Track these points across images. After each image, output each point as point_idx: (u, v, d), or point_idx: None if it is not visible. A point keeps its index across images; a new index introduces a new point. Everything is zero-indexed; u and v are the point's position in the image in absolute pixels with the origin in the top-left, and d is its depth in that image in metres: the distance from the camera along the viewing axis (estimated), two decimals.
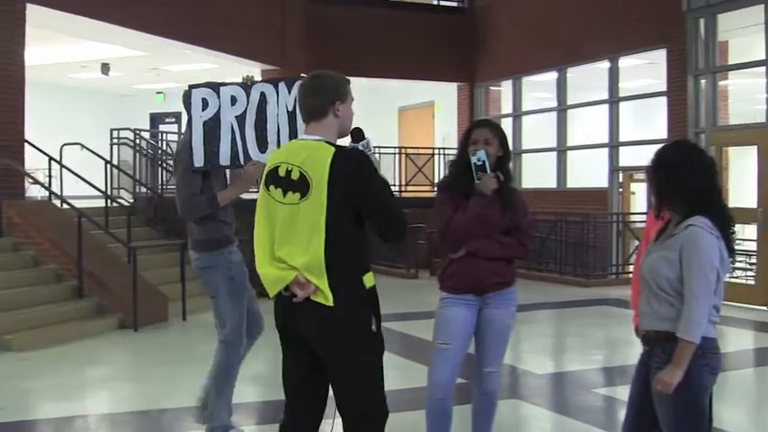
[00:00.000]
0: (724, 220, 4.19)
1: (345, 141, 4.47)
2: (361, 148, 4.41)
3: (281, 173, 4.22)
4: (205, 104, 5.91)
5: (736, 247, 4.59)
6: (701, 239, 4.07)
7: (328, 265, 4.09)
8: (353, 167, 4.18)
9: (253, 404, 8.24)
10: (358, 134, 4.49)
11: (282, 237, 4.19)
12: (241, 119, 5.90)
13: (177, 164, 6.18)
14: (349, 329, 4.16)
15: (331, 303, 4.10)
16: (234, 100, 5.91)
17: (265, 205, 4.29)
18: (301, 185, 4.15)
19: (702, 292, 4.04)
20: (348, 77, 4.47)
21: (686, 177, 4.17)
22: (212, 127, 5.90)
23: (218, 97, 5.91)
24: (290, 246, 4.16)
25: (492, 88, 22.39)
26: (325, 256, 4.09)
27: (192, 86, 6.02)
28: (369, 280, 4.24)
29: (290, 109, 5.87)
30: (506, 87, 21.81)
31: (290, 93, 5.90)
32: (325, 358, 4.21)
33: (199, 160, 5.92)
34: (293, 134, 5.74)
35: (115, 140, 17.04)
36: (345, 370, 4.21)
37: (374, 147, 4.67)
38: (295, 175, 4.17)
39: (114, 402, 8.29)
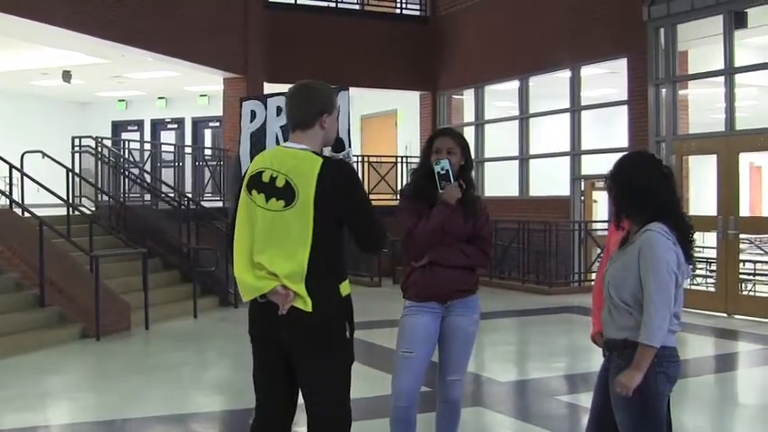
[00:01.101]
0: (683, 227, 4.25)
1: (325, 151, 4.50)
2: (341, 157, 4.45)
3: (265, 178, 4.24)
4: (253, 116, 6.02)
5: (697, 255, 4.66)
6: (657, 243, 4.13)
7: (309, 272, 4.14)
8: (341, 178, 4.24)
9: (213, 414, 8.21)
10: (339, 145, 4.52)
11: (262, 242, 4.20)
12: (285, 129, 5.99)
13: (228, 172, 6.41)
14: (324, 335, 4.21)
15: (310, 309, 4.15)
16: (279, 110, 6.01)
17: (246, 209, 4.29)
18: (287, 193, 4.17)
19: (660, 295, 4.09)
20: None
21: (643, 187, 4.24)
22: (259, 137, 6.00)
23: (266, 108, 5.98)
24: (271, 252, 4.18)
25: (454, 97, 22.46)
26: (309, 264, 4.14)
27: (242, 99, 6.16)
28: (345, 288, 4.30)
29: None
30: (469, 96, 21.88)
31: None
32: (298, 362, 4.25)
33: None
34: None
35: (77, 148, 16.93)
36: (316, 375, 4.25)
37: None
38: (280, 183, 4.20)
39: (76, 412, 8.23)
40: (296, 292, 4.14)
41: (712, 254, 15.38)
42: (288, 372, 4.31)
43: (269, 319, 4.22)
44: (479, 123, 21.07)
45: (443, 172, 5.15)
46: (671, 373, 4.23)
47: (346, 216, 4.25)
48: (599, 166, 16.18)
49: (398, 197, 5.50)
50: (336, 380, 4.30)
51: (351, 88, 6.52)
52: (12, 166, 14.62)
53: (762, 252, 20.39)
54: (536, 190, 19.55)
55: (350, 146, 6.15)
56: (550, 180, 19.20)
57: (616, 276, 4.27)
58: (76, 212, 14.86)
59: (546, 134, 20.32)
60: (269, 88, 19.02)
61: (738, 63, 14.47)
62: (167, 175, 19.09)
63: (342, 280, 4.30)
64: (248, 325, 4.40)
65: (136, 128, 28.18)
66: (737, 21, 14.24)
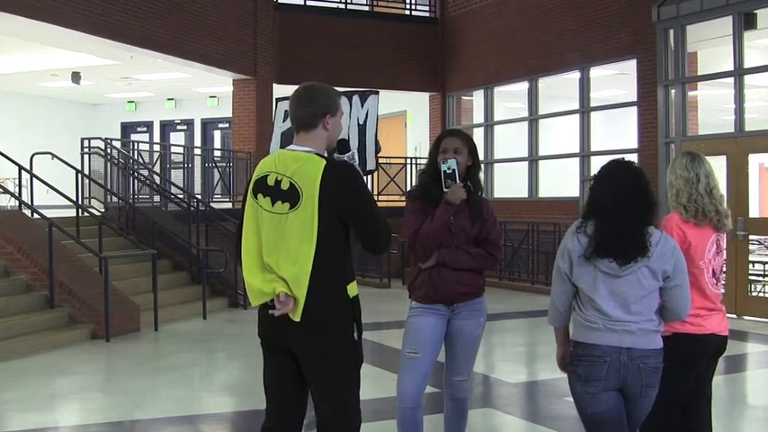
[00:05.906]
0: (600, 224, 4.28)
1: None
2: (345, 159, 4.45)
3: (270, 182, 4.26)
4: (286, 116, 6.03)
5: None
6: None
7: (314, 274, 4.15)
8: (344, 180, 4.24)
9: (223, 415, 8.22)
10: (343, 146, 4.53)
11: (269, 245, 4.23)
12: None
13: None
14: (332, 337, 4.22)
15: (298, 319, 4.16)
16: None
17: (253, 213, 4.31)
18: (291, 196, 4.19)
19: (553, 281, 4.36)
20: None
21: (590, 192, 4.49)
22: (288, 137, 6.01)
23: None
24: (278, 254, 4.20)
25: (464, 98, 22.44)
26: (313, 265, 4.15)
27: (278, 99, 6.17)
28: (352, 289, 4.30)
29: (361, 122, 6.00)
30: (478, 97, 21.85)
31: (362, 106, 6.02)
32: (306, 364, 4.27)
33: None
34: (361, 146, 5.86)
35: (86, 150, 16.96)
36: (324, 377, 4.26)
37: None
38: (285, 185, 4.22)
39: (86, 413, 8.24)
40: (296, 297, 4.15)
41: None
42: (298, 374, 4.32)
43: (277, 321, 4.23)
44: (489, 124, 21.05)
45: (450, 171, 5.14)
46: (581, 372, 4.30)
47: (351, 217, 4.26)
48: None
49: (405, 198, 5.50)
50: (345, 382, 4.30)
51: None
52: (21, 168, 14.65)
53: None
54: (545, 191, 19.51)
55: (378, 151, 6.17)
56: (560, 181, 19.17)
57: None
58: (86, 214, 14.88)
59: (555, 135, 20.29)
60: (278, 90, 19.05)
61: (748, 64, 14.43)
62: (176, 176, 19.12)
63: (349, 281, 4.30)
64: (258, 327, 4.42)
65: (145, 129, 28.26)
66: (747, 22, 14.22)
